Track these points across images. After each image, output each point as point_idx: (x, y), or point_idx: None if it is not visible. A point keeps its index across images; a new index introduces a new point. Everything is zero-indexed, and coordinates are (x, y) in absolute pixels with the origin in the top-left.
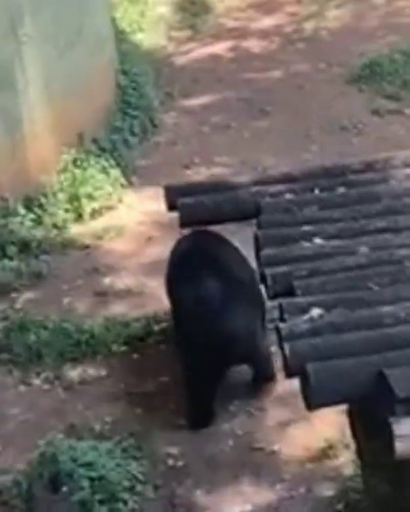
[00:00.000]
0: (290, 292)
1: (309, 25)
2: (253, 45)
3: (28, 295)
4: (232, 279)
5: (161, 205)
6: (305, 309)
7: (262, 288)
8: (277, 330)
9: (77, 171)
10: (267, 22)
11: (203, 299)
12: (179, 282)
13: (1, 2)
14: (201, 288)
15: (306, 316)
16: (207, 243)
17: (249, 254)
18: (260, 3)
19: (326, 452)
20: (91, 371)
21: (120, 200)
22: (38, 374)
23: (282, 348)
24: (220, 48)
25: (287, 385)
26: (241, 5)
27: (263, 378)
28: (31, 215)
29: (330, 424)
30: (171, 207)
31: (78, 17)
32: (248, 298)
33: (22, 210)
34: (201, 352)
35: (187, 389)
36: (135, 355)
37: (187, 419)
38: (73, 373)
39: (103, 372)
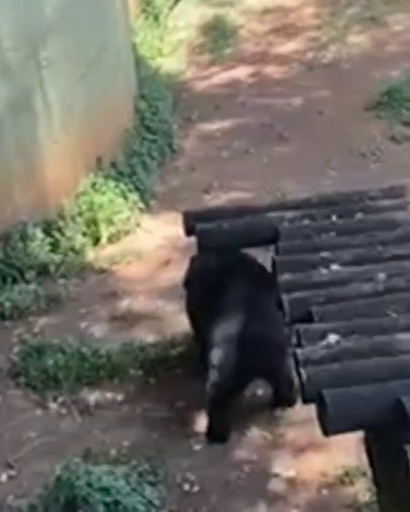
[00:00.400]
0: (308, 318)
1: (329, 51)
2: (273, 70)
3: (46, 319)
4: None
5: (179, 230)
6: (322, 335)
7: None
8: (295, 356)
9: (96, 195)
10: (287, 47)
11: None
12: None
13: (23, 26)
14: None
15: (323, 342)
16: (237, 264)
17: None
18: (281, 28)
19: (342, 479)
20: (108, 395)
21: (138, 225)
22: (54, 398)
23: (299, 374)
24: (240, 72)
25: (304, 411)
26: (262, 30)
27: (283, 401)
28: (49, 239)
29: (347, 450)
30: (189, 232)
31: (98, 41)
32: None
33: (40, 234)
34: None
35: (210, 403)
36: (152, 380)
37: (207, 434)
38: (90, 397)
39: (120, 397)
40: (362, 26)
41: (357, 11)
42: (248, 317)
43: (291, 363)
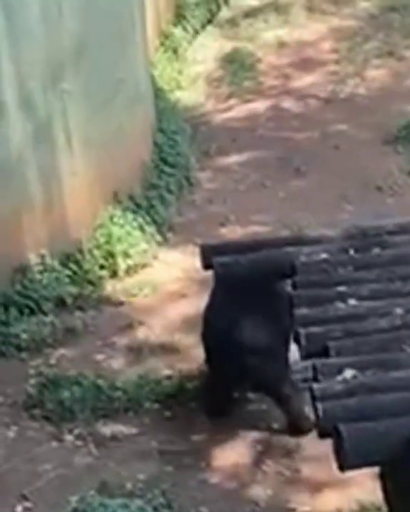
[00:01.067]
0: (324, 353)
1: (347, 85)
2: (291, 104)
3: (63, 351)
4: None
5: (197, 263)
6: (338, 370)
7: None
8: (311, 390)
9: (114, 228)
10: (306, 81)
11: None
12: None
13: (43, 57)
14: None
15: (339, 377)
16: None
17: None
18: (299, 62)
19: None
20: (123, 428)
21: (155, 257)
22: (70, 430)
23: (315, 409)
24: (258, 106)
25: (320, 446)
26: (280, 64)
27: (293, 424)
28: (67, 271)
29: (362, 485)
30: (207, 265)
31: (118, 74)
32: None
33: (58, 266)
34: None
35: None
36: (167, 413)
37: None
38: (105, 430)
39: (135, 430)
40: (380, 60)
41: (375, 45)
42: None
43: (288, 381)
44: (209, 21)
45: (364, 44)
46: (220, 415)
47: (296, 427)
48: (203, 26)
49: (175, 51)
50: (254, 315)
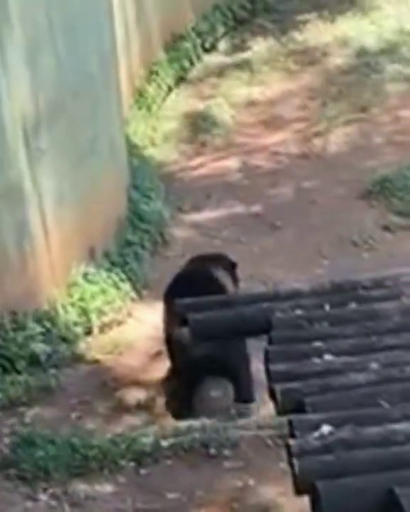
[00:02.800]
0: (300, 409)
1: (317, 142)
2: (264, 160)
3: (37, 409)
4: None
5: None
6: (315, 426)
7: None
8: (287, 447)
9: (88, 285)
10: (276, 138)
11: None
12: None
13: (17, 116)
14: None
15: (316, 433)
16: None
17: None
18: (269, 120)
19: None
20: (98, 487)
21: (130, 314)
22: (45, 490)
23: (291, 465)
24: (230, 163)
25: (297, 503)
26: (250, 121)
27: (242, 399)
28: (41, 329)
29: None
30: (182, 322)
31: (91, 132)
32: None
33: (32, 324)
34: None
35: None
36: (143, 471)
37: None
38: (80, 489)
39: (110, 489)
40: (350, 117)
41: (345, 103)
42: None
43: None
44: (182, 78)
45: (334, 101)
46: (185, 416)
47: (242, 399)
48: (177, 83)
49: (149, 108)
50: None
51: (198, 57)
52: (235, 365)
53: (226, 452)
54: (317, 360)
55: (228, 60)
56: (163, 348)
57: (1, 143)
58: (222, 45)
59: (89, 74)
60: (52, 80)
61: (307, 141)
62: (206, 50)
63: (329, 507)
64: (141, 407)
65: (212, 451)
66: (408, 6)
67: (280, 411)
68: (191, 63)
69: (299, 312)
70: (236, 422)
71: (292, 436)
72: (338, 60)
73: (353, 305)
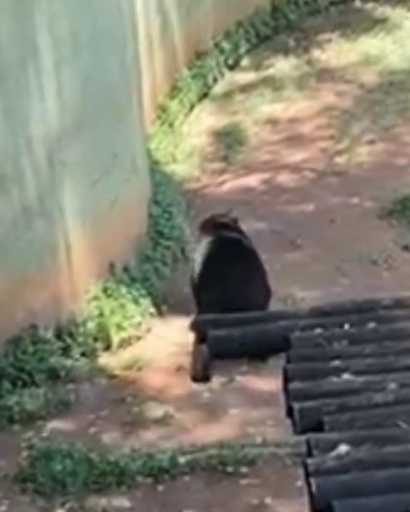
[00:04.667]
0: (318, 427)
1: (341, 160)
2: (285, 178)
3: (55, 424)
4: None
5: (191, 336)
6: (332, 445)
7: None
8: (305, 466)
9: (108, 301)
10: (299, 156)
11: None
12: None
13: (40, 130)
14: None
15: (333, 453)
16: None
17: None
18: (292, 137)
19: None
20: (115, 502)
21: (149, 330)
22: (62, 504)
23: (308, 484)
24: (252, 180)
25: None
26: (273, 138)
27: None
28: (60, 344)
29: None
30: (201, 339)
31: (114, 147)
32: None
33: (52, 338)
34: None
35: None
36: (160, 487)
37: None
38: (97, 504)
39: (127, 504)
40: (373, 137)
41: (368, 122)
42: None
43: None
44: (205, 95)
45: (358, 120)
46: (204, 380)
47: None
48: (199, 100)
49: (171, 125)
50: None
51: (222, 74)
52: None
53: (243, 470)
54: (335, 379)
55: (250, 77)
56: (182, 363)
57: (24, 157)
58: (245, 62)
59: (112, 89)
60: (76, 94)
61: (330, 159)
62: (229, 67)
63: None
64: (159, 422)
65: (229, 468)
66: None
67: (298, 429)
68: (214, 80)
69: (318, 331)
70: (254, 439)
71: (310, 455)
72: (361, 78)
73: (372, 324)
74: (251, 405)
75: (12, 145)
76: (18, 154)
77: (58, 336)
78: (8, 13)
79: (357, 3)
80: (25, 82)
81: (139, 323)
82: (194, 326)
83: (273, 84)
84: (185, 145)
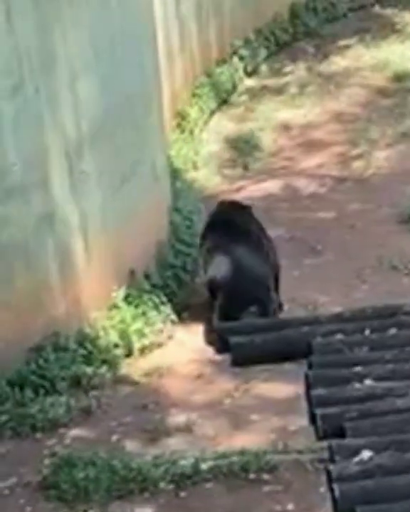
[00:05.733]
0: (341, 434)
1: (358, 166)
2: (304, 184)
3: (77, 431)
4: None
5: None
6: (355, 451)
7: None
8: (327, 471)
9: (129, 307)
10: (317, 161)
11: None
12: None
13: (60, 138)
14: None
15: (356, 458)
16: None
17: None
18: (310, 143)
19: None
20: (138, 509)
21: (170, 337)
22: (84, 511)
23: (331, 490)
24: (271, 186)
25: None
26: (291, 144)
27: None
28: (82, 351)
29: None
30: (223, 345)
31: (134, 155)
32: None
33: (73, 345)
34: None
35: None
36: (183, 493)
37: (217, 349)
38: (120, 511)
39: (150, 510)
40: (390, 141)
41: (385, 126)
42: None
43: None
44: (224, 101)
45: (375, 125)
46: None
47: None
48: (219, 106)
49: (191, 132)
50: None
51: (240, 81)
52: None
53: (265, 476)
54: (357, 385)
55: (269, 83)
56: (204, 370)
57: (45, 166)
58: (264, 68)
59: (131, 97)
60: (95, 102)
61: (348, 164)
62: (248, 74)
63: None
64: (181, 429)
65: (251, 475)
66: None
67: (320, 436)
68: (234, 87)
69: (339, 337)
70: (276, 446)
71: (332, 461)
72: (379, 83)
73: (393, 330)
74: (273, 412)
75: (33, 153)
76: (38, 162)
77: (80, 343)
78: (28, 21)
79: (376, 9)
80: (45, 91)
81: (161, 330)
82: (216, 332)
83: (292, 90)
84: (205, 152)
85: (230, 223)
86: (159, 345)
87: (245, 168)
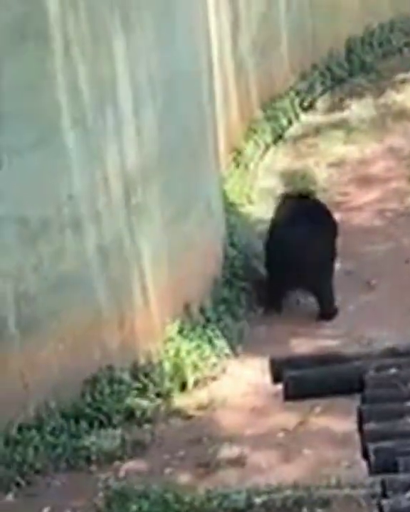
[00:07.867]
0: (393, 468)
1: None
2: (359, 218)
3: (131, 464)
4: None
5: (265, 376)
6: (408, 486)
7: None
8: (380, 506)
9: (183, 341)
10: (373, 196)
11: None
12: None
13: (116, 171)
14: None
15: (409, 494)
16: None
17: None
18: (366, 178)
19: None
20: None
21: (224, 371)
22: None
23: None
24: None
25: None
26: (347, 179)
27: (325, 313)
28: (137, 384)
29: None
30: (276, 379)
31: (190, 188)
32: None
33: (128, 379)
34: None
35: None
36: None
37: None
38: None
39: None
40: None
41: None
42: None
43: (331, 280)
44: (280, 136)
45: None
46: (277, 310)
47: (326, 314)
48: (274, 141)
49: (246, 166)
50: None
51: (297, 116)
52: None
53: (319, 511)
54: None
55: (325, 118)
56: (257, 404)
57: (104, 199)
58: (320, 103)
59: (188, 130)
60: (152, 136)
61: (404, 199)
62: (304, 109)
63: None
64: (234, 463)
65: (305, 509)
66: None
67: (373, 470)
68: (289, 122)
69: (392, 371)
70: (329, 480)
71: (385, 496)
72: None
73: None
74: (326, 446)
75: (89, 185)
76: (94, 194)
77: (134, 376)
78: (88, 54)
79: None
80: (103, 123)
81: (215, 364)
82: (271, 366)
83: (348, 126)
84: (260, 186)
85: (303, 200)
86: (213, 378)
87: None
